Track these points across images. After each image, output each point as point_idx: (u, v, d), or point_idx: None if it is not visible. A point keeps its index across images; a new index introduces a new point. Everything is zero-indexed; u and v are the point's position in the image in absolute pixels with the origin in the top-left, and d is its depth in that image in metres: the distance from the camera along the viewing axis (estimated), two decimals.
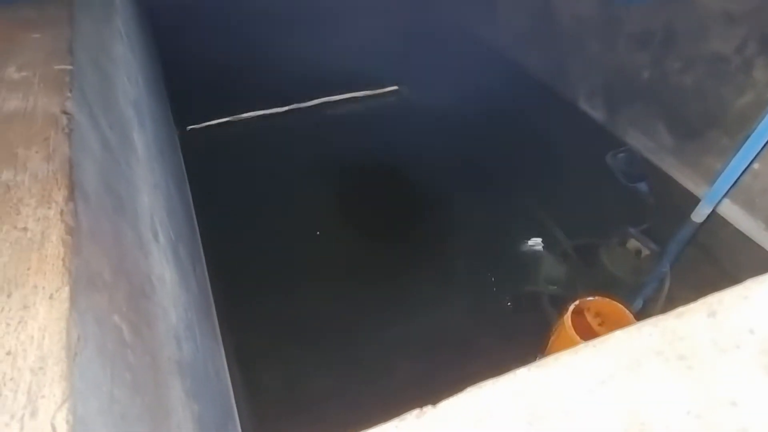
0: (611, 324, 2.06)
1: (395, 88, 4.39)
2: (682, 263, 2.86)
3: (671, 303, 2.69)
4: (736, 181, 2.73)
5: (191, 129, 3.85)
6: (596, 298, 2.05)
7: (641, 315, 2.64)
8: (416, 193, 3.50)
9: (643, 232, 2.90)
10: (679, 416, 0.70)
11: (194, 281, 2.17)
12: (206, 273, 2.71)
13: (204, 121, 3.91)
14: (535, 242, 3.26)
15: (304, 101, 4.15)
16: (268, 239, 3.19)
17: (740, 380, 0.74)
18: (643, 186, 3.12)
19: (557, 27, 3.72)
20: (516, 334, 2.69)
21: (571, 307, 2.00)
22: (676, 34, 3.02)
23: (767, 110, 2.58)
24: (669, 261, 2.86)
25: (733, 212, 2.85)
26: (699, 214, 2.92)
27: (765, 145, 2.61)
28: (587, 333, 2.00)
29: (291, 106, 4.17)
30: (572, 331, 1.92)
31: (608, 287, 2.87)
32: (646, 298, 2.84)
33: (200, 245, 2.82)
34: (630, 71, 3.28)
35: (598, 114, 3.58)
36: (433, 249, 3.16)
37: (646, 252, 2.83)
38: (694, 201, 2.88)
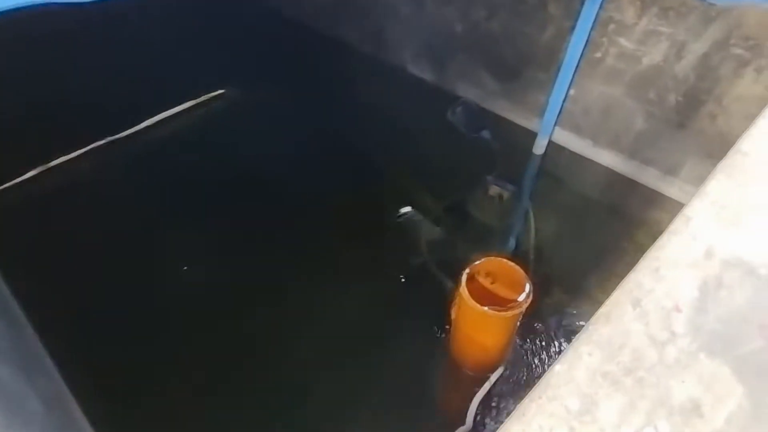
0: (502, 279, 2.05)
1: (221, 91, 3.91)
2: (538, 194, 3.00)
3: (540, 234, 2.82)
4: (560, 110, 2.90)
5: None
6: (483, 260, 2.02)
7: (517, 254, 2.72)
8: (275, 195, 3.18)
9: (499, 177, 2.98)
10: None
11: (36, 398, 1.68)
12: (55, 369, 2.16)
13: (4, 182, 3.10)
14: (407, 210, 3.18)
15: (124, 130, 3.51)
16: (128, 293, 2.66)
17: (691, 376, 0.65)
18: (486, 134, 3.18)
19: None
20: (418, 310, 2.60)
21: (464, 278, 1.94)
22: None
23: (569, 40, 2.73)
24: (527, 196, 2.98)
25: (565, 137, 3.04)
26: (539, 147, 3.07)
27: (575, 73, 2.78)
28: (484, 295, 1.96)
29: (109, 138, 3.50)
30: (472, 302, 1.87)
31: (483, 237, 2.92)
32: (517, 235, 2.94)
33: (36, 339, 2.24)
34: (444, 27, 3.27)
35: (427, 74, 3.56)
36: (311, 248, 2.91)
37: (506, 194, 2.91)
38: (532, 136, 3.02)
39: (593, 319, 0.71)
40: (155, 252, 2.84)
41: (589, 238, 2.76)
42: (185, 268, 2.82)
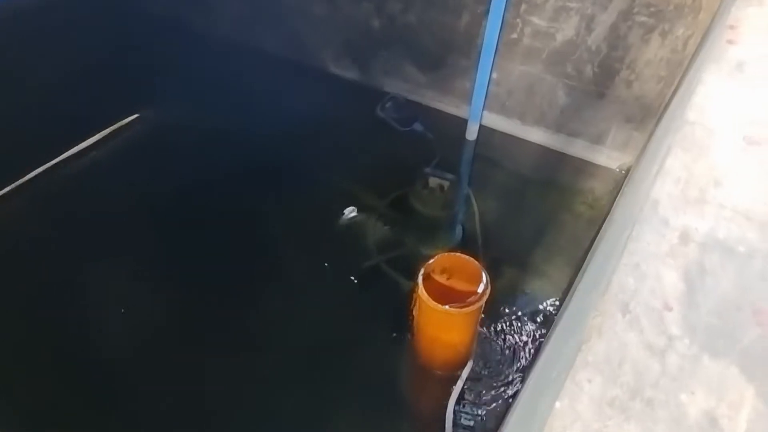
0: (458, 273, 1.97)
1: (135, 116, 3.56)
2: (476, 179, 2.96)
3: (484, 218, 2.77)
4: (486, 94, 2.86)
5: None
6: (436, 257, 1.93)
7: (465, 241, 2.67)
8: (208, 217, 2.92)
9: (437, 167, 2.90)
10: None
11: None
12: None
13: None
14: (351, 210, 3.04)
15: (31, 170, 3.10)
16: (64, 347, 2.35)
17: (699, 384, 0.57)
18: (418, 126, 3.09)
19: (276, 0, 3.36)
20: (377, 313, 2.48)
21: (420, 279, 1.84)
22: None
23: (484, 25, 2.68)
24: (465, 182, 2.93)
25: (494, 120, 3.01)
26: (471, 132, 3.02)
27: (495, 56, 2.74)
28: (442, 293, 1.87)
29: (16, 182, 3.08)
30: (432, 302, 1.77)
31: (430, 229, 2.84)
32: (462, 223, 2.88)
33: None
34: (361, 24, 3.13)
35: (351, 73, 3.41)
36: (255, 266, 2.69)
37: (446, 184, 2.84)
38: (464, 123, 2.96)
39: (585, 335, 0.61)
40: (87, 298, 2.53)
41: (531, 214, 2.75)
42: (123, 310, 2.53)
